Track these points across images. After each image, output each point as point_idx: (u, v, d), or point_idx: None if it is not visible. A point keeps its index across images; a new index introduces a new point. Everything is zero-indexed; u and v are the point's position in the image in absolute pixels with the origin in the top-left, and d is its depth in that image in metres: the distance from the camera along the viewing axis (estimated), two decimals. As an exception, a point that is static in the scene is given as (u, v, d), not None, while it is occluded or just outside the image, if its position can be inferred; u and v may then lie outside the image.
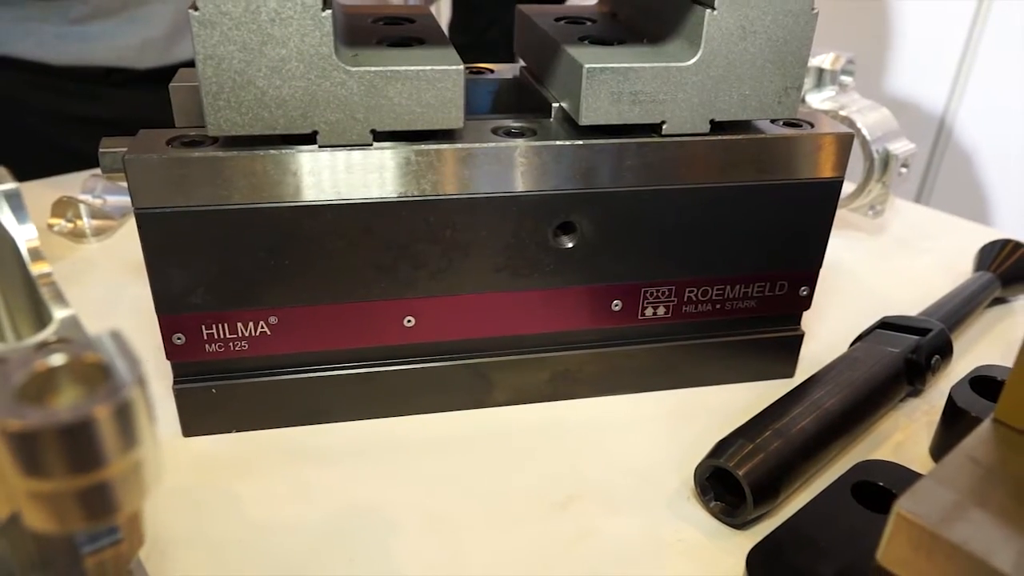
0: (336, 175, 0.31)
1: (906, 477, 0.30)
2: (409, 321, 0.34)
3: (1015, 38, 1.05)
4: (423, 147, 0.31)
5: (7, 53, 0.61)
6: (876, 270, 0.52)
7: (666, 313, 0.37)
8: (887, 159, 0.51)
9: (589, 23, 0.39)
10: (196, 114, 0.36)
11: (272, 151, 0.30)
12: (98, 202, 0.52)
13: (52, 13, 0.61)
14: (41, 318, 0.20)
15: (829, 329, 0.44)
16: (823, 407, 0.34)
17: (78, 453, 0.13)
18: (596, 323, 0.37)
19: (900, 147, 0.51)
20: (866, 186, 0.52)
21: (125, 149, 0.30)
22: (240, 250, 0.31)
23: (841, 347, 0.40)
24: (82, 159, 0.54)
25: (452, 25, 0.92)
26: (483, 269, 0.34)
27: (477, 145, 0.31)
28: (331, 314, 0.33)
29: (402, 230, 0.32)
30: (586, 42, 0.35)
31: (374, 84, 0.29)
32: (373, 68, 0.29)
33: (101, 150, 0.32)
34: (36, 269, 0.20)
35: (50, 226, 0.50)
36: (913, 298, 0.46)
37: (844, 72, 0.53)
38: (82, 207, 0.50)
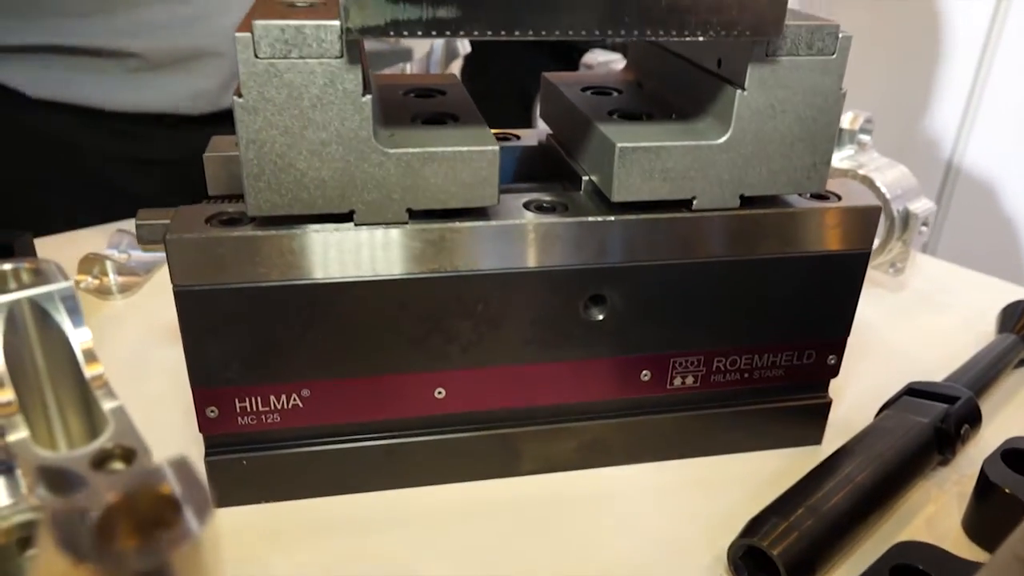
0: (372, 252, 0.31)
1: (944, 560, 0.30)
2: (440, 393, 0.34)
3: (1019, 87, 1.06)
4: (458, 224, 0.31)
5: (62, 98, 0.62)
6: (899, 328, 0.52)
7: (694, 382, 0.37)
8: (907, 218, 0.51)
9: (616, 93, 0.39)
10: (228, 183, 0.36)
11: (310, 230, 0.30)
12: (123, 257, 0.53)
13: (110, 64, 0.62)
14: (92, 420, 0.20)
15: (855, 390, 0.44)
16: (855, 481, 0.34)
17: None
18: (625, 393, 0.37)
19: (920, 206, 0.52)
20: (887, 244, 0.52)
21: (163, 222, 0.31)
22: (276, 326, 0.31)
23: (867, 408, 0.40)
24: (131, 198, 0.54)
25: (463, 73, 0.93)
26: (513, 342, 0.34)
27: (511, 222, 0.32)
28: (363, 387, 0.33)
29: (435, 305, 0.32)
30: (615, 116, 0.35)
31: (411, 165, 0.30)
32: (411, 150, 0.30)
33: (138, 222, 0.33)
34: (90, 371, 0.20)
35: (76, 283, 0.51)
36: (937, 357, 0.46)
37: (863, 131, 0.54)
38: (108, 264, 0.51)
